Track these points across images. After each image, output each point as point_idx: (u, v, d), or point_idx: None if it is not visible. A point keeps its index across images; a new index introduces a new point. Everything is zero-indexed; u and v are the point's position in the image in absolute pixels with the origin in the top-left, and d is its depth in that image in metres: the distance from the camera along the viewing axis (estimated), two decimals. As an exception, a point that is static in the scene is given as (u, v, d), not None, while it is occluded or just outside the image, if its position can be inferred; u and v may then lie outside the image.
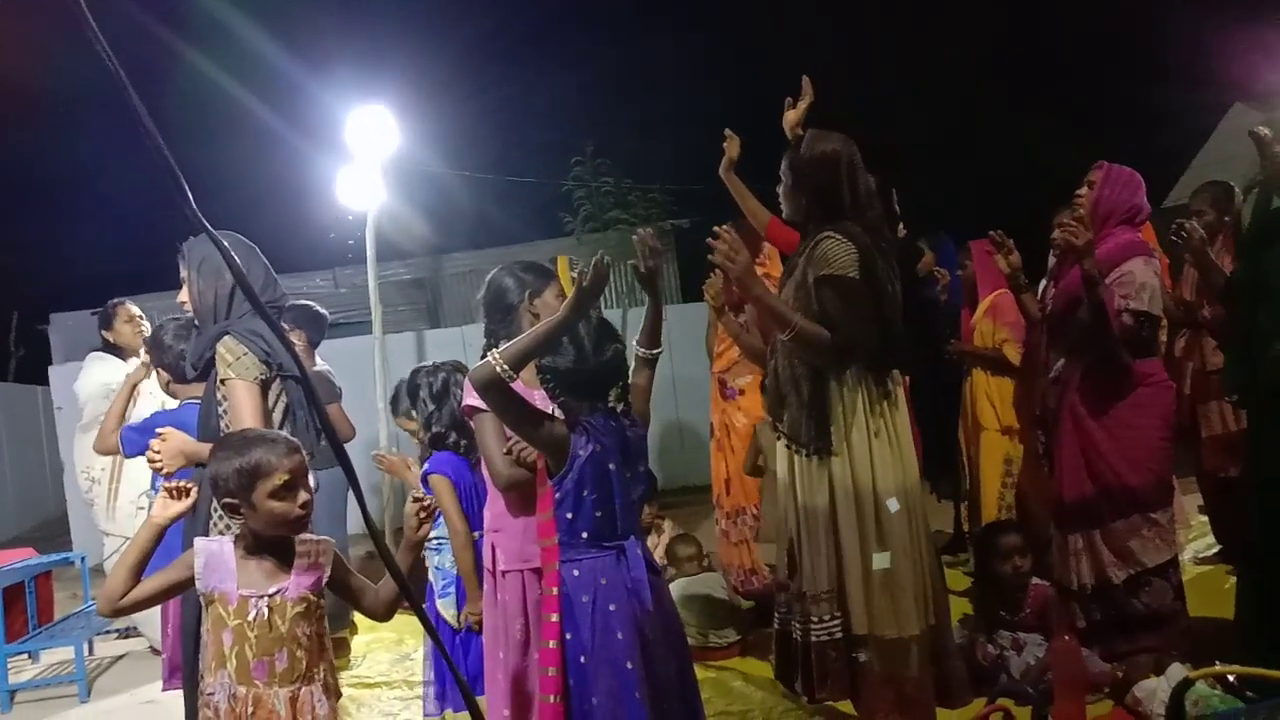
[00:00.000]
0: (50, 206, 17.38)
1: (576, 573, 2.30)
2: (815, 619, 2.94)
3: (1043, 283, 4.44)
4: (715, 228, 3.02)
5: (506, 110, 13.35)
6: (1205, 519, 5.48)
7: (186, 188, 1.32)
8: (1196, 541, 5.33)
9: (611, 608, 2.27)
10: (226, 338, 2.94)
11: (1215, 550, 5.08)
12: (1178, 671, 3.28)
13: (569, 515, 2.32)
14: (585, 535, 2.31)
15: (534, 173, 12.23)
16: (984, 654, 3.68)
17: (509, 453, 2.69)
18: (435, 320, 12.63)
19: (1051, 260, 5.13)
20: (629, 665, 2.25)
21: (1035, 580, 3.84)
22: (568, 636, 2.26)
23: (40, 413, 13.24)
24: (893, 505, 2.93)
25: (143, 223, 15.17)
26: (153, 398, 5.41)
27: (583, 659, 2.25)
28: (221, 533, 2.76)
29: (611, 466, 2.33)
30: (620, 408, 2.44)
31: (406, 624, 4.98)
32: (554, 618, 2.31)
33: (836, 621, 2.93)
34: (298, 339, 5.01)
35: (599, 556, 2.31)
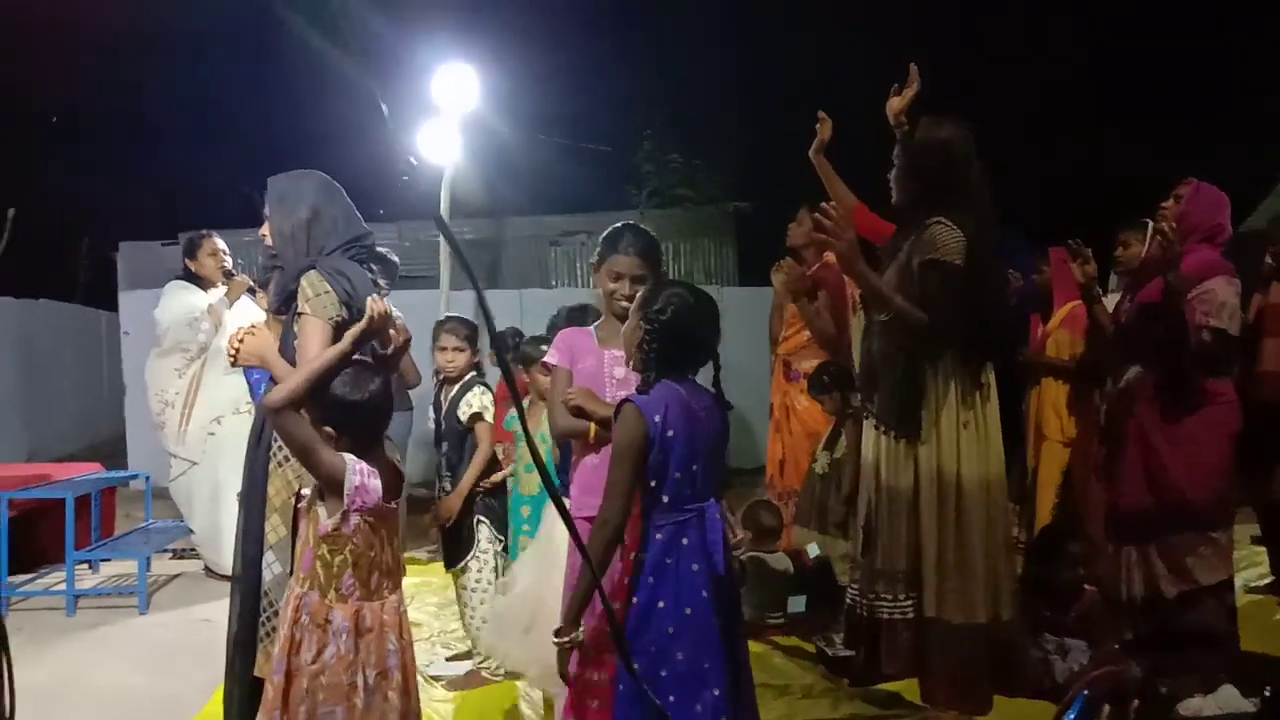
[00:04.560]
0: (125, 139, 17.69)
1: (659, 536, 2.34)
2: (889, 597, 3.00)
3: (1116, 298, 4.42)
4: (823, 204, 3.03)
5: (580, 78, 13.36)
6: (1257, 548, 5.44)
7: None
8: (1247, 570, 5.28)
9: (695, 567, 2.32)
10: (311, 272, 2.96)
11: (1267, 581, 5.04)
12: (1228, 692, 3.29)
13: (652, 483, 2.34)
14: (666, 500, 2.34)
15: (603, 142, 12.25)
16: (1025, 657, 3.70)
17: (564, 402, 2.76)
18: (493, 281, 12.71)
19: (1113, 278, 5.10)
20: (710, 622, 2.31)
21: (1085, 585, 3.85)
22: (660, 605, 2.29)
23: (102, 335, 13.59)
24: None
25: (211, 162, 15.49)
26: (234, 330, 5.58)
27: (670, 628, 2.28)
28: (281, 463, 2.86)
29: (692, 429, 2.35)
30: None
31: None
32: (625, 580, 2.35)
33: (910, 601, 2.99)
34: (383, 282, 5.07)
35: (680, 521, 2.34)
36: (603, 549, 2.30)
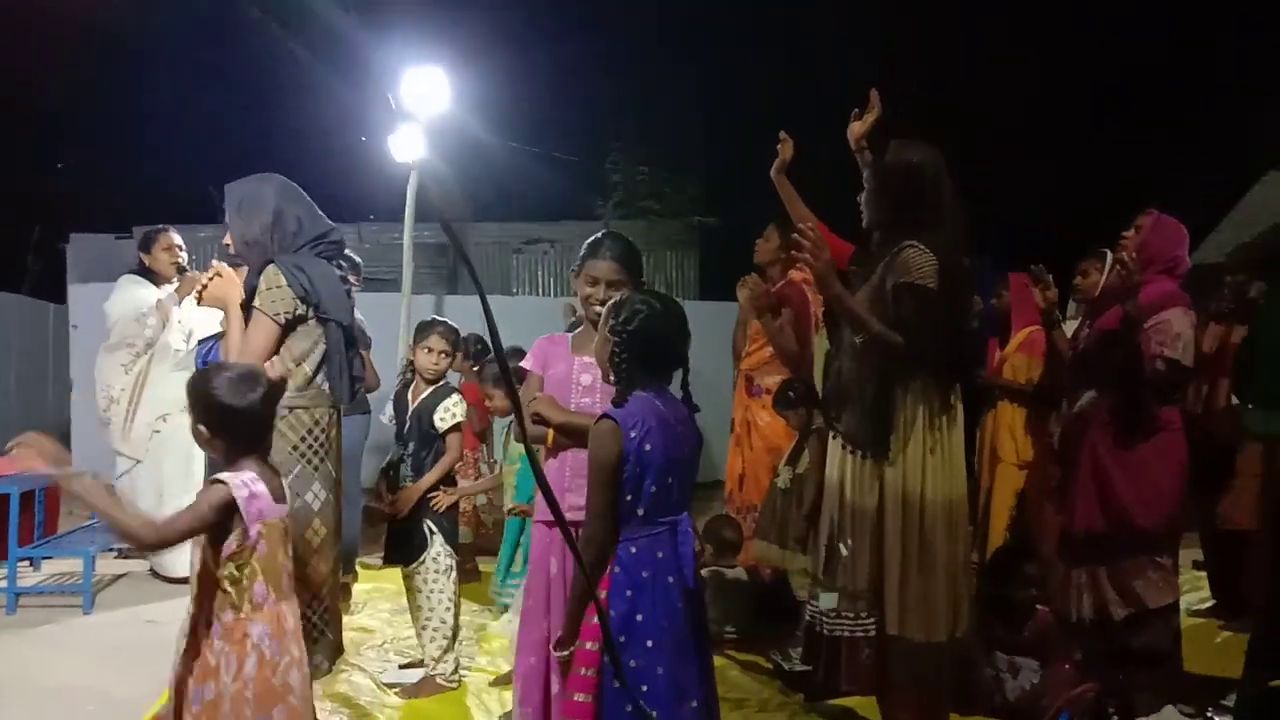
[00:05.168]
0: (80, 132, 17.38)
1: (634, 550, 2.34)
2: (850, 615, 3.01)
3: (1074, 324, 4.51)
4: (800, 225, 3.05)
5: (551, 87, 13.38)
6: (1197, 573, 5.57)
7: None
8: (1189, 595, 5.40)
9: (670, 580, 2.33)
10: (270, 266, 2.98)
11: (1209, 605, 5.16)
12: (1169, 713, 3.36)
13: (627, 497, 2.34)
14: (641, 513, 2.34)
15: (571, 151, 12.27)
16: (979, 675, 3.75)
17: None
18: (453, 287, 12.67)
19: (1072, 305, 5.21)
20: (686, 631, 2.33)
21: (1039, 606, 3.91)
22: (639, 618, 2.29)
23: (49, 328, 13.28)
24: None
25: (168, 158, 15.28)
26: (182, 326, 5.49)
27: (649, 642, 2.28)
28: None
29: (668, 442, 2.36)
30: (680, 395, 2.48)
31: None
32: (602, 593, 2.33)
33: (871, 620, 3.00)
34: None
35: (655, 534, 2.35)
36: (590, 567, 2.28)
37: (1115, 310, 3.85)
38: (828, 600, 3.06)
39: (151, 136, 16.24)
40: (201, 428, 2.45)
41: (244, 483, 2.38)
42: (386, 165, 8.74)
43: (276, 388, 2.55)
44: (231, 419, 2.43)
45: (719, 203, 12.71)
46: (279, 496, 2.49)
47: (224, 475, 2.39)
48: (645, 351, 2.39)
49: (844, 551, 3.03)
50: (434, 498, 3.92)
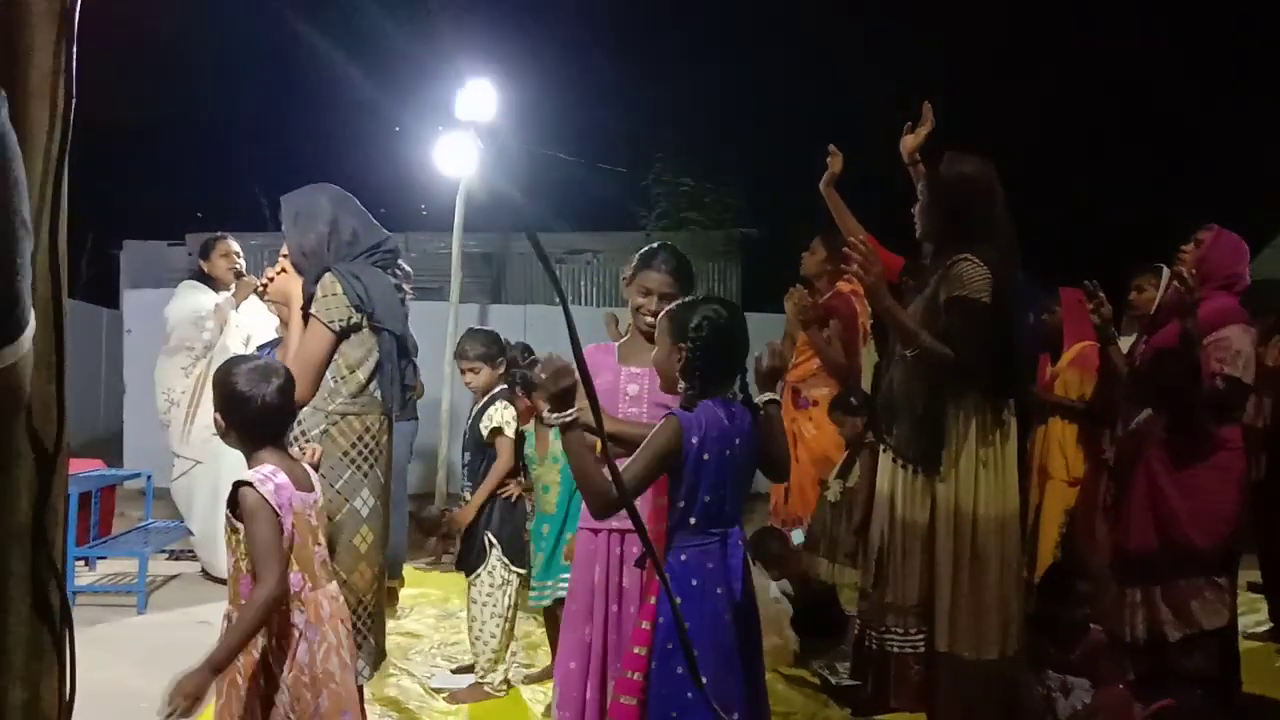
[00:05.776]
0: (133, 141, 17.73)
1: (684, 558, 2.35)
2: (899, 630, 3.00)
3: (1131, 339, 4.45)
4: (851, 238, 3.05)
5: (594, 98, 13.48)
6: (1253, 595, 5.45)
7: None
8: (1245, 617, 5.28)
9: (719, 591, 2.33)
10: (327, 273, 3.01)
11: (1266, 628, 5.05)
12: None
13: (680, 504, 2.35)
14: (694, 522, 2.35)
15: (613, 162, 12.33)
16: (1031, 694, 3.70)
17: None
18: (497, 296, 12.77)
19: (1126, 320, 5.14)
20: (731, 644, 2.33)
21: (1091, 625, 3.86)
22: (687, 625, 2.28)
23: (102, 333, 13.55)
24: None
25: (219, 167, 15.57)
26: (239, 330, 5.59)
27: (695, 651, 2.25)
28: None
29: (727, 453, 2.36)
30: (738, 398, 2.48)
31: (453, 582, 5.12)
32: (652, 600, 2.36)
33: (921, 635, 2.98)
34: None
35: (705, 544, 2.36)
36: (593, 497, 2.29)
37: (1173, 326, 3.79)
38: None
39: (203, 146, 16.58)
40: (218, 416, 2.50)
41: (265, 476, 2.41)
42: (434, 175, 8.83)
43: (292, 382, 2.58)
44: (245, 408, 2.46)
45: (761, 214, 12.71)
46: (303, 485, 2.52)
47: (245, 476, 2.42)
48: (716, 358, 2.41)
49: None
50: (504, 491, 3.96)
